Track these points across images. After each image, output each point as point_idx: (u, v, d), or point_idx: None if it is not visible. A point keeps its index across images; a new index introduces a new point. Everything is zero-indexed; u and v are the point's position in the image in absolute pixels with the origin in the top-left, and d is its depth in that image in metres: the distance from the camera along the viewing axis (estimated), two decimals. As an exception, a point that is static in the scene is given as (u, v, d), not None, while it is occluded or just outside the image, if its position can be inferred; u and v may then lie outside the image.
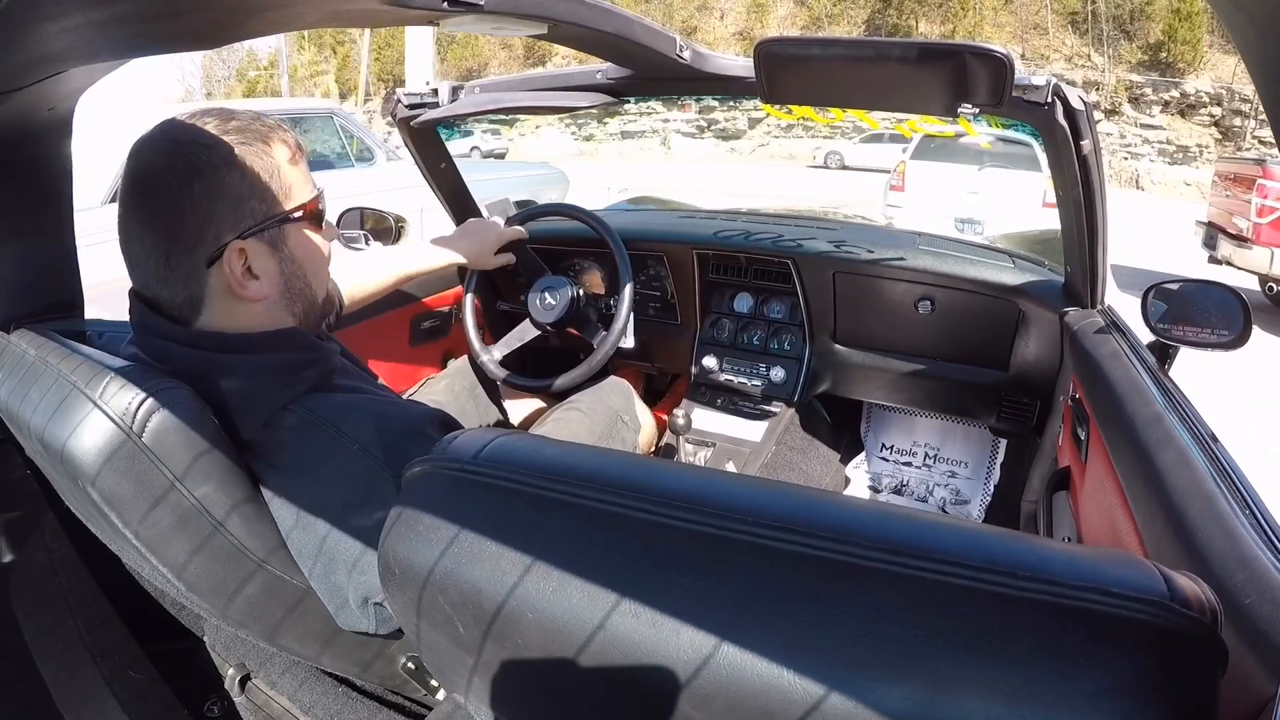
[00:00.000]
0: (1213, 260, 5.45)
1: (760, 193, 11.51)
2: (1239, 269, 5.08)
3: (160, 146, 0.62)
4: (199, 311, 0.65)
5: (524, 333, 1.48)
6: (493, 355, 1.45)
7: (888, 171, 7.92)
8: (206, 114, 0.65)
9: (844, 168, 17.11)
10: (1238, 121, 17.61)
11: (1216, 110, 18.00)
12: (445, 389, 1.50)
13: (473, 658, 0.39)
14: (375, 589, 0.59)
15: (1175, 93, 18.34)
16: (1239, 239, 5.06)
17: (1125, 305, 1.18)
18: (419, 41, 9.73)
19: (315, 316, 0.73)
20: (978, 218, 6.20)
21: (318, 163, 3.95)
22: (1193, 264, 5.50)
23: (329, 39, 29.57)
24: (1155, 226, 9.93)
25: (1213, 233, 5.44)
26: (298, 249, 0.69)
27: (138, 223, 0.62)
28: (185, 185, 0.60)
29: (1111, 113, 18.74)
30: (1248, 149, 15.96)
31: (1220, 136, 17.91)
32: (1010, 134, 6.25)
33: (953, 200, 6.33)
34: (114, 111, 3.26)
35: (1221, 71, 17.86)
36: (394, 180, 4.14)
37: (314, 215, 0.70)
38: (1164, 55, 18.47)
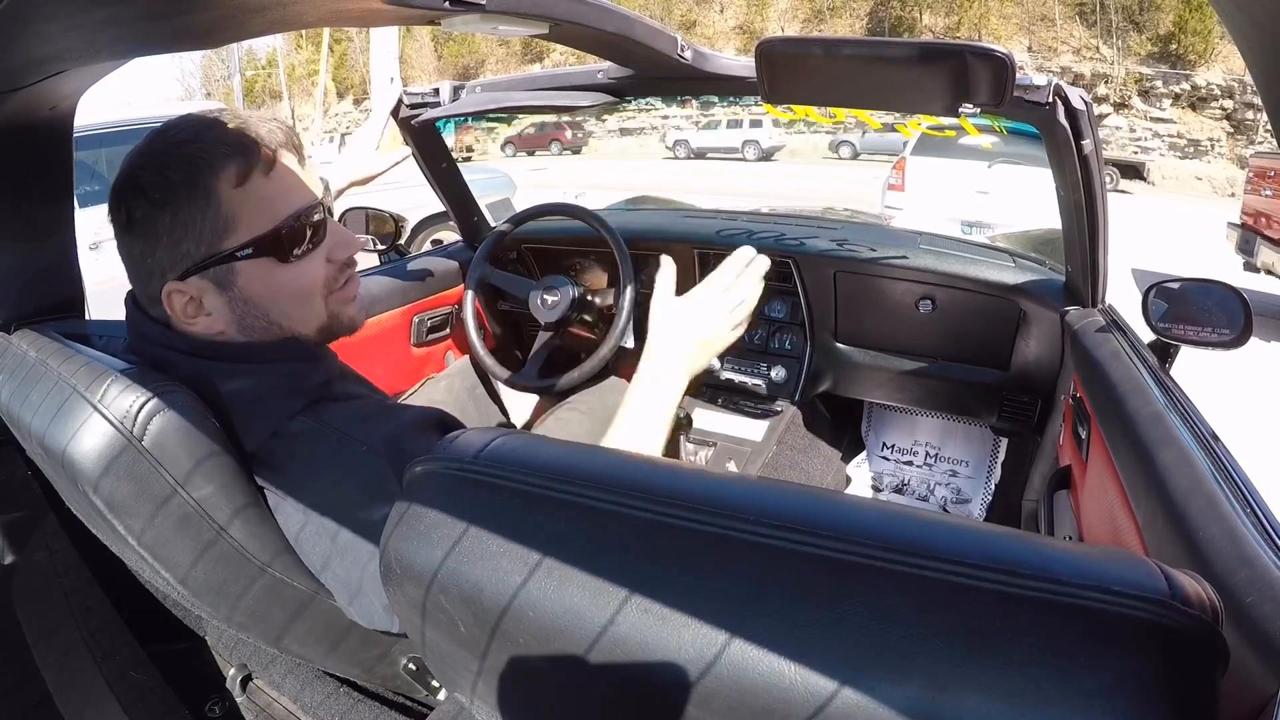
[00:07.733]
0: (1249, 268, 4.82)
1: (759, 192, 11.45)
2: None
3: (118, 176, 0.62)
4: (172, 327, 0.65)
5: (542, 341, 1.48)
6: (530, 371, 1.44)
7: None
8: (168, 127, 0.62)
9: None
10: (1250, 115, 17.18)
11: (1228, 103, 17.59)
12: (445, 389, 1.50)
13: (474, 657, 0.39)
14: None
15: (1186, 85, 17.92)
16: (1282, 244, 4.39)
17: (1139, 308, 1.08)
18: (382, 39, 9.59)
19: (309, 341, 0.69)
20: (987, 221, 5.27)
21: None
22: (1225, 270, 4.49)
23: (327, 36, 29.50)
24: (1171, 224, 9.34)
25: (1249, 237, 4.75)
26: (250, 288, 0.63)
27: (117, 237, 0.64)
28: (126, 228, 0.62)
29: (1121, 106, 18.34)
30: (1260, 142, 15.39)
31: (1232, 130, 17.50)
32: (1025, 127, 5.34)
33: (959, 201, 5.50)
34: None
35: (1233, 63, 17.36)
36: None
37: (274, 246, 0.63)
38: (1174, 47, 18.05)
